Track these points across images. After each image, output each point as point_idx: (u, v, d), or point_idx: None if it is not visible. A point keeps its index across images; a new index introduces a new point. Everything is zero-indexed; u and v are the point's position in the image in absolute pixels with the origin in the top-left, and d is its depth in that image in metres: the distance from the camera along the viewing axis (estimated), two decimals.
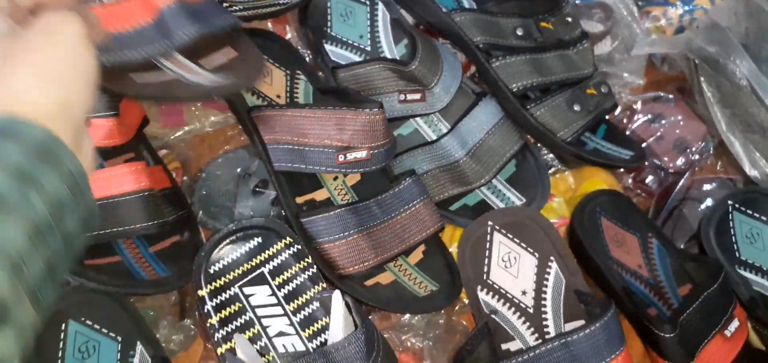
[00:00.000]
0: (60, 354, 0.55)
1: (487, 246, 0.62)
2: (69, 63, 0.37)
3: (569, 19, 0.70)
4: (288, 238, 0.61)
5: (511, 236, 0.62)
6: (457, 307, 0.65)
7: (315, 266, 0.60)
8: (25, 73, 0.36)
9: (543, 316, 0.60)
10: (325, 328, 0.59)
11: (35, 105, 0.34)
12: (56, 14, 0.39)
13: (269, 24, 0.76)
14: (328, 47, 0.73)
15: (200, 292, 0.59)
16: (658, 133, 0.71)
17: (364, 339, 0.50)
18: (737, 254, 0.63)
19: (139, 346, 0.58)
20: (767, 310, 0.60)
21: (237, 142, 0.74)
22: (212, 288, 0.60)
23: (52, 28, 0.38)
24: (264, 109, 0.65)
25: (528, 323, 0.60)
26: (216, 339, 0.57)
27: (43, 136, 0.33)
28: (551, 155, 0.70)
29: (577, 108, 0.66)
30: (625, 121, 0.73)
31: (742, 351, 0.56)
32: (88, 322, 0.57)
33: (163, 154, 0.72)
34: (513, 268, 0.62)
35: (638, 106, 0.73)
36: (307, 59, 0.75)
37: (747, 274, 0.62)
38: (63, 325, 0.56)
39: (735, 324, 0.56)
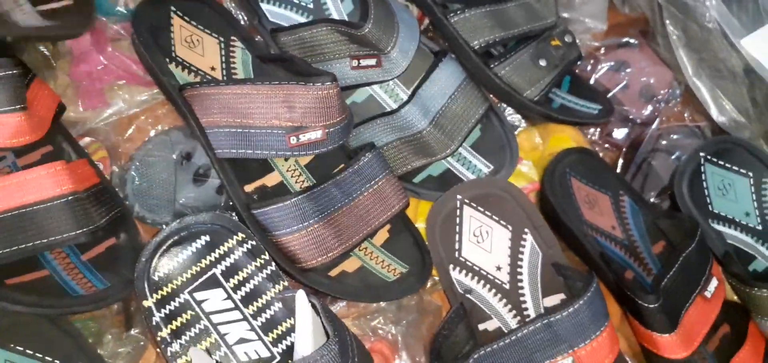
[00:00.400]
0: None
1: (457, 221, 0.58)
2: None
3: None
4: (240, 234, 0.55)
5: (482, 209, 0.58)
6: (428, 285, 0.61)
7: (273, 263, 0.55)
8: None
9: (520, 292, 0.57)
10: (290, 331, 0.54)
11: None
12: None
13: None
14: (265, 7, 0.65)
15: (145, 303, 0.53)
16: (624, 82, 0.68)
17: (338, 349, 0.45)
18: (710, 207, 0.62)
19: None
20: (741, 264, 0.59)
21: (170, 121, 0.66)
22: (159, 297, 0.53)
23: None
24: (198, 87, 0.57)
25: (504, 300, 0.57)
26: (169, 354, 0.52)
27: None
28: (517, 116, 0.66)
29: (542, 63, 0.62)
30: (588, 69, 0.69)
31: (735, 329, 0.56)
32: (19, 348, 0.51)
33: (85, 143, 0.63)
34: (485, 243, 0.58)
35: (602, 53, 0.69)
36: (243, 23, 0.67)
37: (720, 228, 0.61)
38: None
39: (714, 283, 0.55)
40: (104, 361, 0.54)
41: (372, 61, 0.59)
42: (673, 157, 0.65)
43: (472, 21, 0.60)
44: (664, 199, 0.65)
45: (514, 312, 0.56)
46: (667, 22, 0.64)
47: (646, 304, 0.52)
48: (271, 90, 0.54)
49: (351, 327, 0.57)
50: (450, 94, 0.60)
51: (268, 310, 0.54)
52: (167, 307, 0.53)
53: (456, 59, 0.62)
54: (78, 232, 0.53)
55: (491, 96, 0.64)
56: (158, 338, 0.52)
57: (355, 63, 0.60)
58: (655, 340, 0.53)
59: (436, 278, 0.61)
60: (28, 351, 0.51)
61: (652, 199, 0.65)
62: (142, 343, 0.57)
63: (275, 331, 0.54)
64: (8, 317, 0.52)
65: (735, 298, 0.60)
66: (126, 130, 0.66)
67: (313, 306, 0.49)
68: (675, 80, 0.68)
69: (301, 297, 0.49)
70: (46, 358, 0.51)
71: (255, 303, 0.54)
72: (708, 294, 0.55)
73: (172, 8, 0.64)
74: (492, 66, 0.60)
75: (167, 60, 0.61)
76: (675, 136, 0.66)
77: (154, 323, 0.52)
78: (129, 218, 0.60)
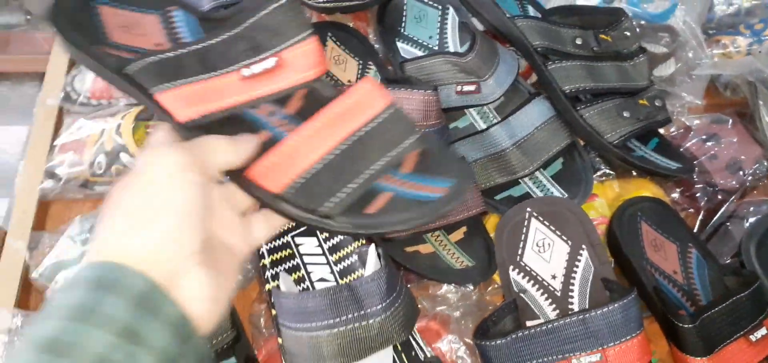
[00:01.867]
0: None
1: (524, 230, 0.66)
2: (159, 202, 0.36)
3: (628, 34, 0.73)
4: None
5: (547, 223, 0.65)
6: (489, 288, 0.68)
7: None
8: (117, 217, 0.36)
9: (569, 299, 0.62)
10: (360, 279, 0.64)
11: (127, 249, 0.34)
12: (151, 150, 0.39)
13: (351, 21, 0.85)
14: (400, 45, 0.81)
15: None
16: (712, 152, 0.72)
17: (385, 278, 0.55)
18: None
19: None
20: None
21: None
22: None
23: (143, 169, 0.37)
24: None
25: (554, 305, 0.62)
26: (266, 276, 0.64)
27: (143, 285, 0.33)
28: (603, 167, 0.72)
29: (626, 114, 0.69)
30: (680, 139, 0.74)
31: None
32: None
33: None
34: (546, 254, 0.65)
35: (694, 125, 0.74)
36: (380, 56, 0.82)
37: None
38: None
39: (762, 331, 0.56)
40: None
41: (472, 87, 0.71)
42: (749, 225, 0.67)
43: (567, 70, 0.70)
44: (736, 263, 0.66)
45: (560, 315, 0.62)
46: (761, 102, 0.68)
47: (681, 324, 0.55)
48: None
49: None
50: (537, 125, 0.70)
51: (346, 260, 0.65)
52: (273, 242, 0.67)
53: (548, 100, 0.71)
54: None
55: (578, 139, 0.72)
56: (260, 265, 0.65)
57: (458, 88, 0.72)
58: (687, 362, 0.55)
59: (498, 284, 0.68)
60: None
61: (724, 261, 0.67)
62: (250, 275, 0.71)
63: (349, 277, 0.65)
64: None
65: None
66: None
67: (378, 254, 0.60)
68: (764, 157, 0.71)
69: (372, 248, 0.60)
70: None
71: (338, 252, 0.66)
72: (753, 338, 0.56)
73: (329, 34, 0.82)
74: (578, 108, 0.68)
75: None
76: (755, 208, 0.67)
77: (260, 252, 0.66)
78: None
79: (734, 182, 0.70)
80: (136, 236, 0.35)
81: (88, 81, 0.84)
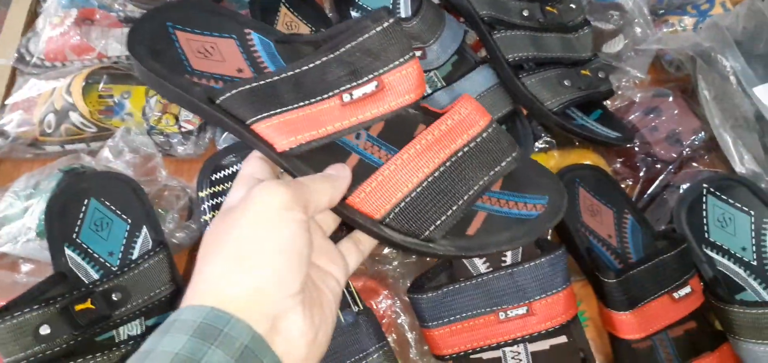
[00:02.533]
0: (79, 223, 0.65)
1: None
2: (263, 242, 0.35)
3: (573, 6, 0.75)
4: None
5: None
6: None
7: None
8: (220, 255, 0.34)
9: (502, 257, 0.63)
10: None
11: (229, 291, 0.33)
12: (255, 187, 0.37)
13: None
14: (353, 13, 0.81)
15: (201, 193, 0.67)
16: (653, 124, 0.73)
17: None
18: (706, 235, 0.64)
19: (145, 230, 0.67)
20: (728, 289, 0.60)
21: None
22: (212, 191, 0.67)
23: (246, 206, 0.36)
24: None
25: (487, 262, 0.63)
26: (204, 219, 0.64)
27: (247, 337, 0.32)
28: (545, 135, 0.74)
29: (567, 83, 0.70)
30: (623, 112, 0.76)
31: (703, 331, 0.57)
32: (106, 202, 0.67)
33: None
34: None
35: (637, 99, 0.75)
36: (333, 24, 0.83)
37: (713, 255, 0.63)
38: (86, 201, 0.66)
39: (686, 290, 0.57)
40: (162, 231, 0.67)
41: (418, 53, 0.72)
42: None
43: (512, 39, 0.71)
44: (669, 229, 0.67)
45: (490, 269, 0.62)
46: (699, 76, 0.70)
47: (605, 279, 0.56)
48: None
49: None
50: (480, 91, 0.71)
51: None
52: (216, 199, 0.67)
53: (492, 68, 0.72)
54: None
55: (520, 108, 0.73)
56: (202, 220, 0.66)
57: None
58: (612, 318, 0.56)
59: None
60: (111, 206, 0.67)
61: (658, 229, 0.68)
62: (195, 234, 0.71)
63: None
64: (104, 180, 0.67)
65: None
66: None
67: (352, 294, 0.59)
68: (702, 129, 0.72)
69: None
70: (123, 216, 0.67)
71: None
72: (676, 296, 0.57)
73: (282, 1, 0.82)
74: (520, 76, 0.70)
75: None
76: (690, 178, 0.69)
77: (202, 209, 0.66)
78: None
79: (673, 153, 0.71)
80: (239, 278, 0.34)
81: (42, 42, 0.84)
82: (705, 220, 0.64)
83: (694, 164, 0.70)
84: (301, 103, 0.44)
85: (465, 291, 0.58)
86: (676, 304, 0.57)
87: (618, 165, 0.73)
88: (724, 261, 0.62)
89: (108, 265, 0.64)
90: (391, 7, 0.81)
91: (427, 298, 0.58)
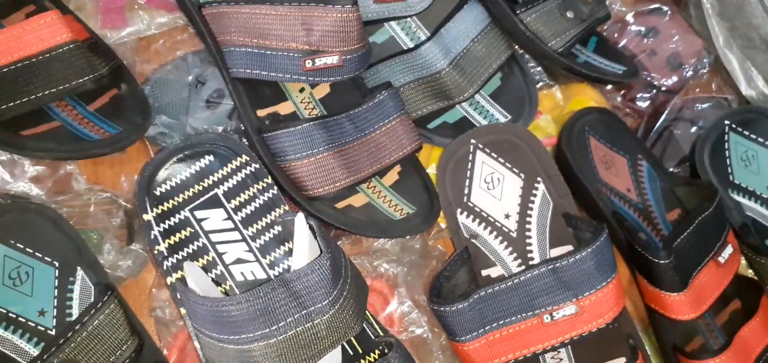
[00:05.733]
0: None
1: (469, 166, 0.57)
2: None
3: None
4: (244, 156, 0.54)
5: (495, 156, 0.57)
6: (433, 232, 0.60)
7: (275, 187, 0.54)
8: None
9: (527, 240, 0.55)
10: (288, 254, 0.53)
11: None
12: None
13: None
14: None
15: (145, 216, 0.52)
16: (651, 48, 0.66)
17: (329, 265, 0.44)
18: (731, 177, 0.60)
19: (80, 272, 0.52)
20: (759, 236, 0.57)
21: (188, 47, 0.66)
22: (159, 211, 0.53)
23: None
24: (216, 5, 0.57)
25: (510, 248, 0.55)
26: (165, 268, 0.51)
27: None
28: (538, 68, 0.64)
29: (570, 15, 0.60)
30: (616, 34, 0.68)
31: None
32: (19, 245, 0.51)
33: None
34: (496, 190, 0.57)
35: (630, 18, 0.67)
36: None
37: (740, 199, 0.59)
38: None
39: (728, 250, 0.53)
40: (103, 269, 0.54)
41: None
42: (695, 127, 0.63)
43: None
44: (684, 169, 0.63)
45: (519, 260, 0.55)
46: None
47: (657, 260, 0.50)
48: (290, 11, 0.53)
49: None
50: (473, 36, 0.59)
51: (267, 233, 0.53)
52: (167, 222, 0.53)
53: (482, 3, 0.61)
54: (83, 79, 0.54)
55: (515, 46, 0.63)
56: (155, 251, 0.52)
57: None
58: (663, 299, 0.51)
59: (443, 226, 0.59)
60: (28, 249, 0.51)
61: (671, 169, 0.63)
62: (142, 259, 0.56)
63: (273, 254, 0.53)
64: (10, 215, 0.52)
65: (750, 273, 0.58)
66: (144, 52, 0.66)
67: (311, 227, 0.48)
68: (704, 50, 0.66)
69: (300, 219, 0.48)
70: (46, 258, 0.51)
71: (255, 225, 0.53)
72: (721, 260, 0.53)
73: None
74: (518, 11, 0.59)
75: None
76: (700, 107, 0.64)
77: (152, 237, 0.52)
78: (127, 71, 0.61)
79: (675, 79, 0.65)
80: None
81: None
82: (728, 160, 0.60)
83: (698, 91, 0.65)
84: None
85: (500, 295, 0.50)
86: (721, 269, 0.53)
87: (619, 100, 0.66)
88: (752, 204, 0.59)
89: (42, 328, 0.49)
90: None
91: (456, 310, 0.50)
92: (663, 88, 0.65)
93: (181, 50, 0.66)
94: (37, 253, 0.51)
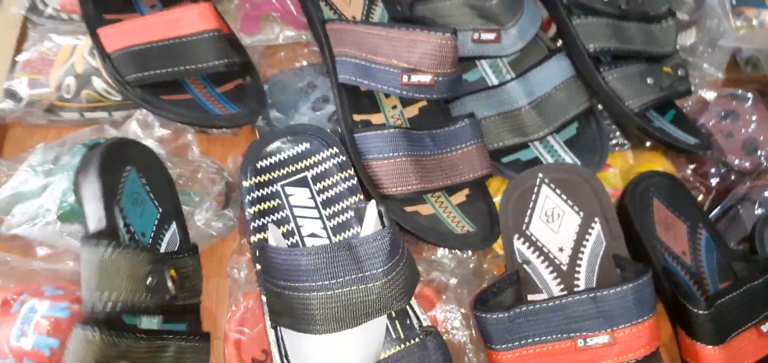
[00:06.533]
0: (120, 187, 0.57)
1: (533, 197, 0.62)
2: None
3: None
4: (334, 148, 0.62)
5: (559, 192, 0.61)
6: (489, 256, 0.64)
7: (356, 178, 0.61)
8: None
9: (576, 274, 0.59)
10: (355, 237, 0.59)
11: None
12: None
13: None
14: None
15: (245, 183, 0.61)
16: (729, 130, 0.68)
17: (389, 240, 0.50)
18: None
19: (174, 226, 0.61)
20: None
21: (306, 60, 0.76)
22: (257, 181, 0.61)
23: None
24: (338, 22, 0.66)
25: (559, 279, 0.59)
26: (251, 228, 0.59)
27: None
28: (617, 135, 0.69)
29: (650, 81, 0.64)
30: (696, 112, 0.71)
31: None
32: (144, 181, 0.60)
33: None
34: (554, 224, 0.61)
35: (712, 99, 0.70)
36: None
37: None
38: (127, 169, 0.59)
39: None
40: (188, 234, 0.62)
41: (491, 35, 0.65)
42: (762, 209, 0.64)
43: (592, 27, 0.65)
44: (745, 248, 0.64)
45: (565, 292, 0.58)
46: None
47: (695, 310, 0.52)
48: (398, 34, 0.61)
49: None
50: (556, 84, 0.65)
51: (341, 216, 0.60)
52: (261, 191, 0.61)
53: (569, 58, 0.66)
54: (220, 62, 0.65)
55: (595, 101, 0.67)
56: (246, 213, 0.60)
57: (476, 36, 0.66)
58: (699, 351, 0.53)
59: (500, 253, 0.64)
60: (147, 187, 0.60)
61: (732, 245, 0.64)
62: (232, 223, 0.65)
63: (343, 234, 0.60)
64: (148, 157, 0.61)
65: None
66: (270, 57, 0.77)
67: (380, 212, 0.55)
68: None
69: (372, 204, 0.55)
70: (155, 202, 0.61)
71: (332, 207, 0.61)
72: (764, 329, 0.53)
73: None
74: (601, 69, 0.64)
75: (321, 0, 0.71)
76: None
77: (246, 201, 0.60)
78: (253, 67, 0.71)
79: (749, 163, 0.67)
80: None
81: None
82: None
83: None
84: None
85: (540, 313, 0.53)
86: (763, 338, 0.54)
87: (688, 172, 0.68)
88: None
89: (142, 241, 0.57)
90: None
91: (497, 319, 0.54)
92: (735, 169, 0.67)
93: (300, 62, 0.77)
94: (151, 194, 0.60)
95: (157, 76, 0.63)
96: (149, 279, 0.51)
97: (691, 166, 0.69)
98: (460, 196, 0.65)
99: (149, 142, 0.68)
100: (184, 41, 0.64)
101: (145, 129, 0.69)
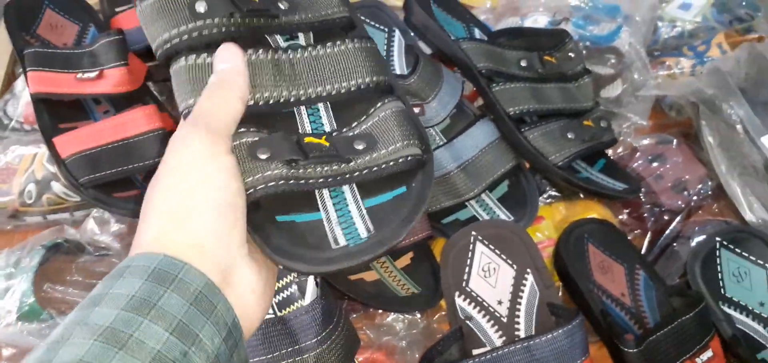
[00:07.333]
0: None
1: (469, 255, 0.64)
2: (194, 199, 0.33)
3: (572, 55, 0.73)
4: None
5: (492, 247, 0.64)
6: (437, 316, 0.66)
7: None
8: (154, 218, 0.33)
9: (516, 325, 0.61)
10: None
11: (178, 245, 0.32)
12: (172, 143, 0.36)
13: None
14: None
15: None
16: (658, 173, 0.71)
17: (321, 310, 0.52)
18: (722, 291, 0.62)
19: None
20: (749, 348, 0.58)
21: None
22: None
23: (169, 162, 0.35)
24: None
25: (500, 331, 0.61)
26: None
27: (201, 283, 0.31)
28: (550, 189, 0.72)
29: (570, 136, 0.68)
30: (627, 159, 0.74)
31: None
32: None
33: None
34: (492, 278, 0.63)
35: (640, 146, 0.74)
36: None
37: (731, 312, 0.61)
38: None
39: (708, 354, 0.55)
40: None
41: (416, 110, 0.70)
42: (695, 243, 0.66)
43: (511, 92, 0.69)
44: (683, 284, 0.65)
45: (501, 345, 0.60)
46: (703, 122, 0.68)
47: (626, 349, 0.54)
48: None
49: (360, 332, 0.63)
50: (482, 147, 0.68)
51: (285, 291, 0.62)
52: None
53: (493, 122, 0.70)
54: None
55: (523, 161, 0.71)
56: None
57: None
58: None
59: (446, 311, 0.66)
60: None
61: (673, 282, 0.66)
62: None
63: (288, 308, 0.61)
64: None
65: None
66: None
67: (317, 283, 0.57)
68: (708, 177, 0.71)
69: (310, 278, 0.58)
70: None
71: (276, 283, 0.63)
72: (698, 361, 0.55)
73: None
74: (523, 130, 0.68)
75: None
76: (700, 228, 0.67)
77: None
78: None
79: (680, 202, 0.70)
80: (179, 236, 0.33)
81: (21, 105, 0.80)
82: (720, 274, 0.62)
83: (701, 213, 0.69)
84: None
85: None
86: None
87: (624, 216, 0.71)
88: (743, 318, 0.60)
89: None
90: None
91: None
92: (667, 209, 0.70)
93: None
94: None
95: (107, 176, 0.67)
96: (199, 5, 0.42)
97: (626, 211, 0.71)
98: (405, 260, 0.68)
99: (105, 239, 0.71)
100: (130, 142, 0.67)
101: (102, 226, 0.72)
